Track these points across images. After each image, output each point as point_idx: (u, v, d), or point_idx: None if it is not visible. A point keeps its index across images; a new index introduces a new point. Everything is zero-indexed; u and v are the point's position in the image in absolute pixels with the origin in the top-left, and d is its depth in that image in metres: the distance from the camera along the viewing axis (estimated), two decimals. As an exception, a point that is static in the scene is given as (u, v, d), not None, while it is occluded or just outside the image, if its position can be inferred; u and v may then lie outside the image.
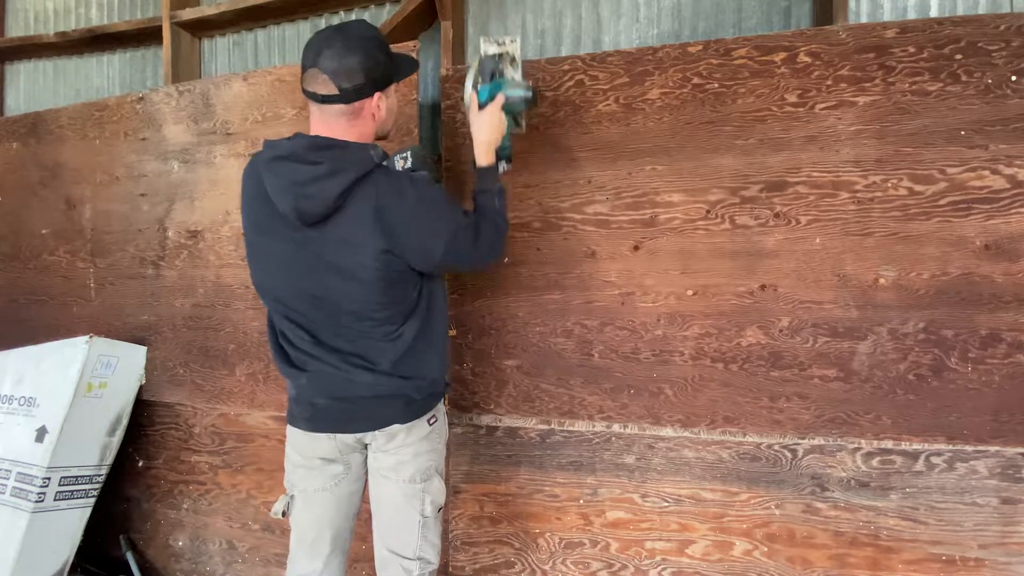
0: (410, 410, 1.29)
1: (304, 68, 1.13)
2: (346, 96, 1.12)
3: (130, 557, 2.17)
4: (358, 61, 1.10)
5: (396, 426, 1.28)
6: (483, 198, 1.37)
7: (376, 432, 1.28)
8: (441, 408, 1.40)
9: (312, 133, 1.17)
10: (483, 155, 1.39)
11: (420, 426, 1.31)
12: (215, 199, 2.08)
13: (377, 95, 1.16)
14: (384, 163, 1.18)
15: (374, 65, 1.13)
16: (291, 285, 1.22)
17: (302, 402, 1.31)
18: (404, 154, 1.40)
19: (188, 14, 2.59)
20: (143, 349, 2.16)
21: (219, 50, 2.75)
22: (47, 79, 3.06)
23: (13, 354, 2.12)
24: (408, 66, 1.27)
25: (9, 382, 2.07)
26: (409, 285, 1.23)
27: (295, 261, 1.19)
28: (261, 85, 2.01)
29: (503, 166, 1.48)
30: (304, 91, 1.15)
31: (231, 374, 2.06)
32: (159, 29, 2.63)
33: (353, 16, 2.53)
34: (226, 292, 2.06)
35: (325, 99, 1.12)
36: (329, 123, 1.15)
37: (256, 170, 1.18)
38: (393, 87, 1.22)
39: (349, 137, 1.16)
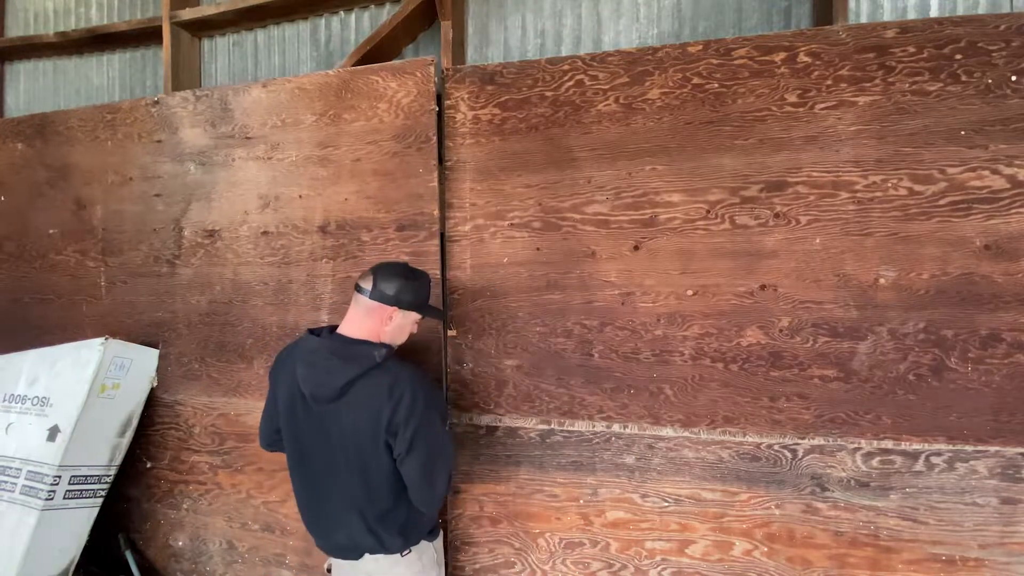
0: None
1: (368, 272, 1.46)
2: (376, 296, 1.42)
3: (129, 556, 2.17)
4: (399, 283, 1.43)
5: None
6: None
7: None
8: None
9: (346, 317, 1.46)
10: None
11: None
12: (233, 200, 2.09)
13: (393, 309, 1.44)
14: (383, 357, 1.41)
15: (407, 291, 1.44)
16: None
17: None
18: None
19: (188, 14, 2.60)
20: (155, 352, 2.18)
21: (219, 50, 2.75)
22: (47, 79, 3.07)
23: (28, 355, 2.14)
24: (436, 315, 1.61)
25: (23, 382, 2.09)
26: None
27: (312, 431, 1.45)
28: (280, 92, 2.03)
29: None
30: (356, 286, 1.46)
31: (249, 367, 2.07)
32: (159, 29, 2.64)
33: (353, 16, 2.53)
34: (244, 289, 2.07)
35: (360, 290, 1.44)
36: (353, 314, 1.45)
37: (291, 357, 1.48)
38: (413, 318, 1.49)
39: (363, 329, 1.43)
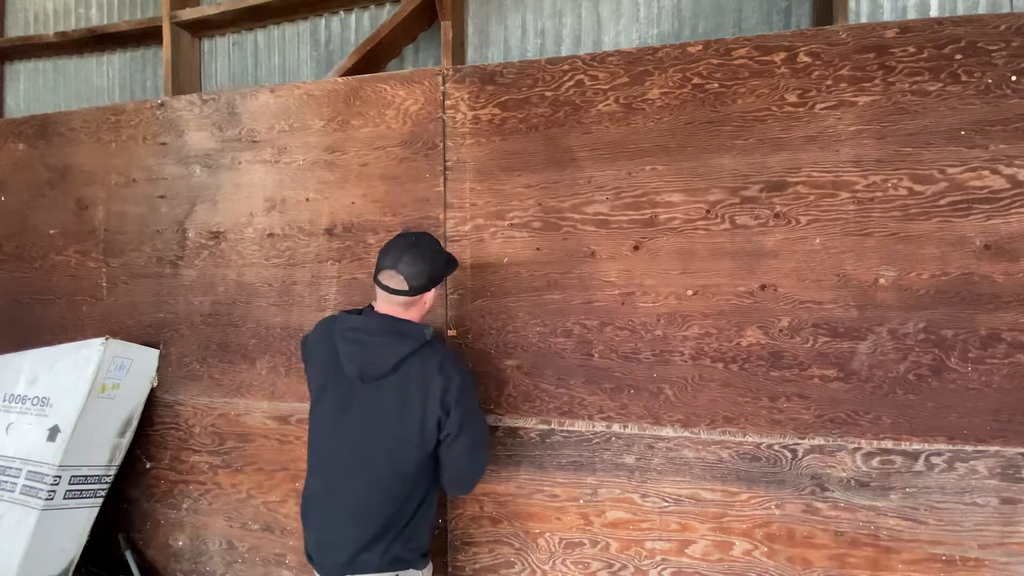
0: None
1: (383, 267, 1.42)
2: (413, 292, 1.41)
3: (129, 556, 2.17)
4: (428, 270, 1.42)
5: None
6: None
7: None
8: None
9: (380, 305, 1.45)
10: None
11: None
12: (239, 202, 2.09)
13: (431, 292, 1.47)
14: (431, 336, 1.44)
15: (436, 274, 1.46)
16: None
17: None
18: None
19: (188, 14, 2.60)
20: (156, 352, 2.18)
21: (219, 50, 2.76)
22: (47, 79, 3.07)
23: (28, 355, 2.14)
24: (452, 266, 1.59)
25: (23, 382, 2.09)
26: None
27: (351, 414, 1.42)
28: (288, 98, 2.04)
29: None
30: (378, 282, 1.43)
31: (251, 367, 2.07)
32: (159, 29, 2.64)
33: (353, 16, 2.53)
34: (248, 290, 2.08)
35: (395, 292, 1.41)
36: (392, 306, 1.43)
37: (330, 334, 1.45)
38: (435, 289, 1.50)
39: (407, 315, 1.44)
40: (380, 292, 1.44)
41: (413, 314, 1.45)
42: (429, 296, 1.47)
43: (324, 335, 1.47)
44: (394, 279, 1.41)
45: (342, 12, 2.55)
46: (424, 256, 1.42)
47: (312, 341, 1.52)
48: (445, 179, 1.86)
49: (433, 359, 1.40)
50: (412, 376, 1.38)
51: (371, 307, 1.47)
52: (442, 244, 1.72)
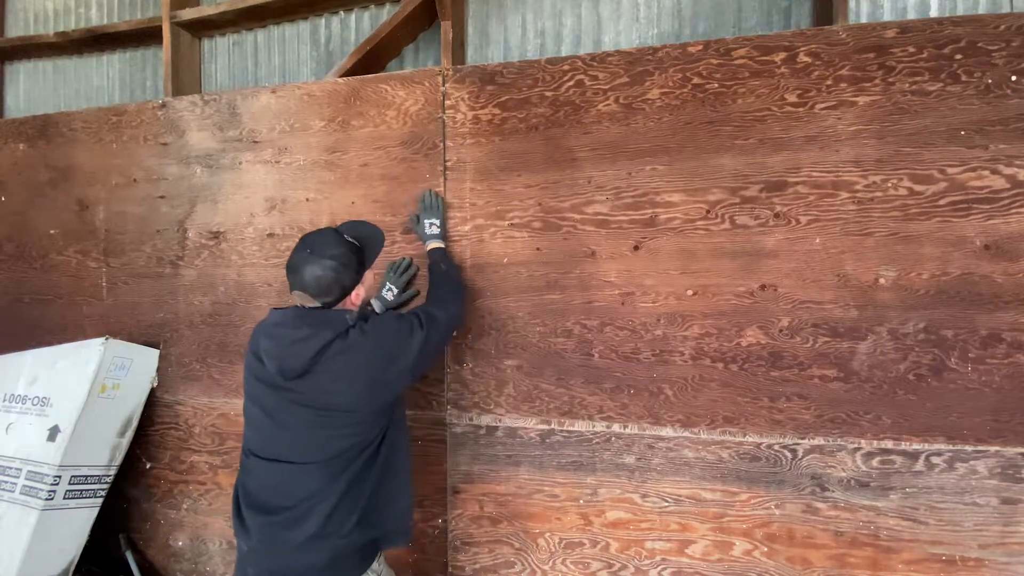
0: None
1: (293, 287, 1.34)
2: (330, 305, 1.35)
3: (129, 556, 2.17)
4: (332, 278, 1.32)
5: None
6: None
7: None
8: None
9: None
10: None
11: None
12: (239, 202, 2.09)
13: (355, 291, 1.38)
14: (355, 320, 1.36)
15: (345, 274, 1.33)
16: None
17: None
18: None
19: (188, 14, 2.60)
20: (156, 352, 2.18)
21: (219, 50, 2.75)
22: (47, 79, 3.06)
23: (28, 355, 2.14)
24: (375, 243, 1.46)
25: (23, 382, 2.09)
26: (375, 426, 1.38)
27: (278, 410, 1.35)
28: (289, 98, 2.04)
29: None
30: (297, 302, 1.36)
31: None
32: (159, 29, 2.64)
33: (353, 16, 2.53)
34: (248, 290, 2.08)
35: (315, 309, 1.34)
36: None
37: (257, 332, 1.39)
38: (369, 272, 1.42)
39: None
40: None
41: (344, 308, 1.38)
42: (356, 294, 1.38)
43: (252, 339, 1.40)
44: (306, 299, 1.34)
45: (342, 12, 2.55)
46: (326, 264, 1.31)
47: (247, 353, 1.44)
48: (445, 179, 1.86)
49: (360, 343, 1.31)
50: (337, 367, 1.29)
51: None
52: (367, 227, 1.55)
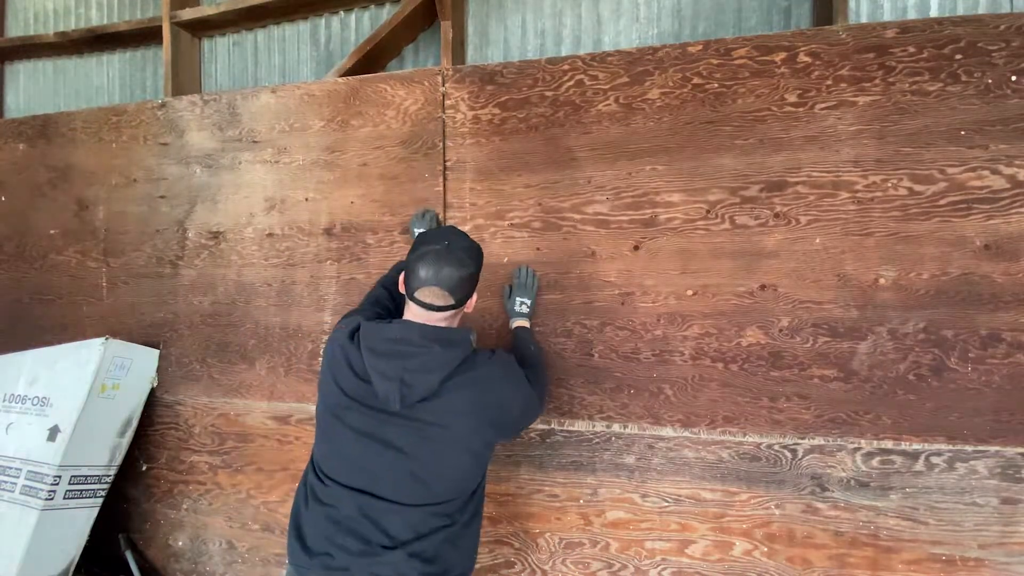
0: None
1: (420, 285, 1.21)
2: (459, 304, 1.25)
3: (129, 556, 2.17)
4: (469, 275, 1.24)
5: None
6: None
7: None
8: None
9: (419, 321, 1.24)
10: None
11: None
12: (239, 202, 2.09)
13: (474, 294, 1.30)
14: (475, 342, 1.28)
15: (476, 274, 1.27)
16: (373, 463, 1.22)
17: None
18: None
19: (188, 14, 2.60)
20: (156, 352, 2.18)
21: (219, 50, 2.75)
22: (47, 79, 3.07)
23: (28, 355, 2.14)
24: (481, 256, 1.36)
25: (23, 382, 2.09)
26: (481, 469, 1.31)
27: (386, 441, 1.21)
28: (289, 98, 2.04)
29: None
30: (417, 301, 1.22)
31: (251, 368, 2.07)
32: (159, 29, 2.64)
33: (353, 16, 2.53)
34: (248, 290, 2.08)
35: (439, 308, 1.22)
36: (433, 317, 1.24)
37: (352, 350, 1.23)
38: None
39: (450, 325, 1.27)
40: (416, 309, 1.23)
41: (459, 320, 1.30)
42: (474, 299, 1.30)
43: (340, 347, 1.25)
44: (435, 294, 1.21)
45: (342, 12, 2.55)
46: (466, 262, 1.22)
47: (328, 352, 1.29)
48: (445, 179, 1.86)
49: (482, 378, 1.22)
50: (460, 399, 1.18)
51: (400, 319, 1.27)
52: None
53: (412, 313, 1.25)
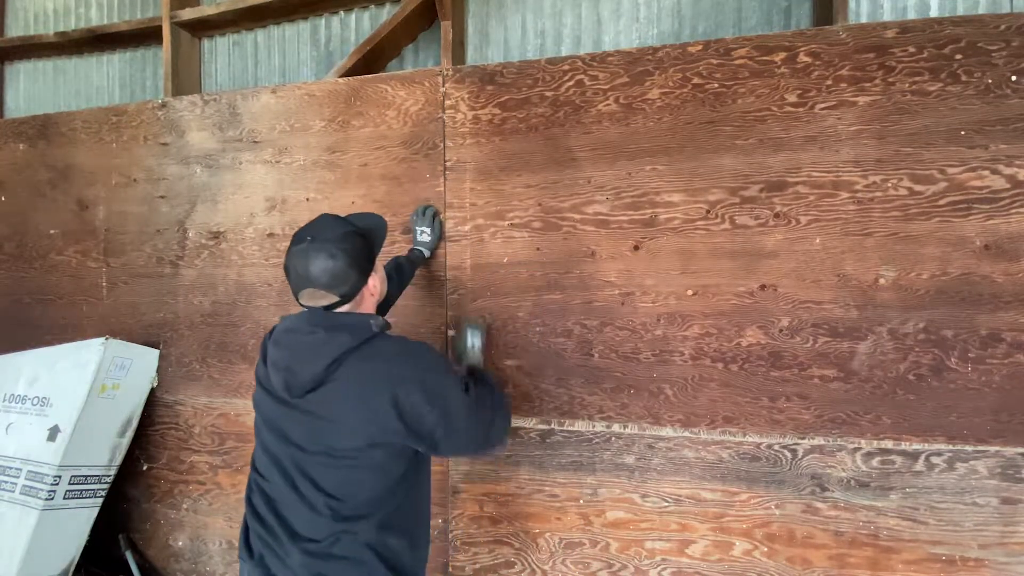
0: None
1: (298, 289, 1.15)
2: (347, 297, 1.16)
3: (129, 556, 2.17)
4: (345, 266, 1.12)
5: None
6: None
7: None
8: None
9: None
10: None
11: None
12: (239, 202, 2.10)
13: (371, 280, 1.19)
14: (381, 328, 1.18)
15: (359, 258, 1.15)
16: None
17: None
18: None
19: (188, 14, 2.60)
20: (156, 352, 2.19)
21: (219, 50, 2.75)
22: (47, 79, 3.07)
23: (28, 355, 2.15)
24: (380, 230, 1.28)
25: (23, 382, 2.09)
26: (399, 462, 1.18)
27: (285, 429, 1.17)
28: (289, 98, 2.04)
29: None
30: (305, 307, 1.17)
31: (251, 368, 2.07)
32: (159, 29, 2.64)
33: (353, 16, 2.53)
34: (248, 290, 2.08)
35: (329, 308, 1.15)
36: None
37: (268, 343, 1.21)
38: (380, 263, 1.26)
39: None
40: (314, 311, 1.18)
41: (364, 310, 1.22)
42: (372, 285, 1.20)
43: (263, 343, 1.24)
44: (313, 296, 1.14)
45: (342, 12, 2.55)
46: (333, 252, 1.12)
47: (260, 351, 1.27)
48: (445, 179, 1.86)
49: (380, 368, 1.11)
50: (351, 387, 1.10)
51: None
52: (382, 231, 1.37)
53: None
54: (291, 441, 1.15)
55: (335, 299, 1.14)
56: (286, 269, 1.16)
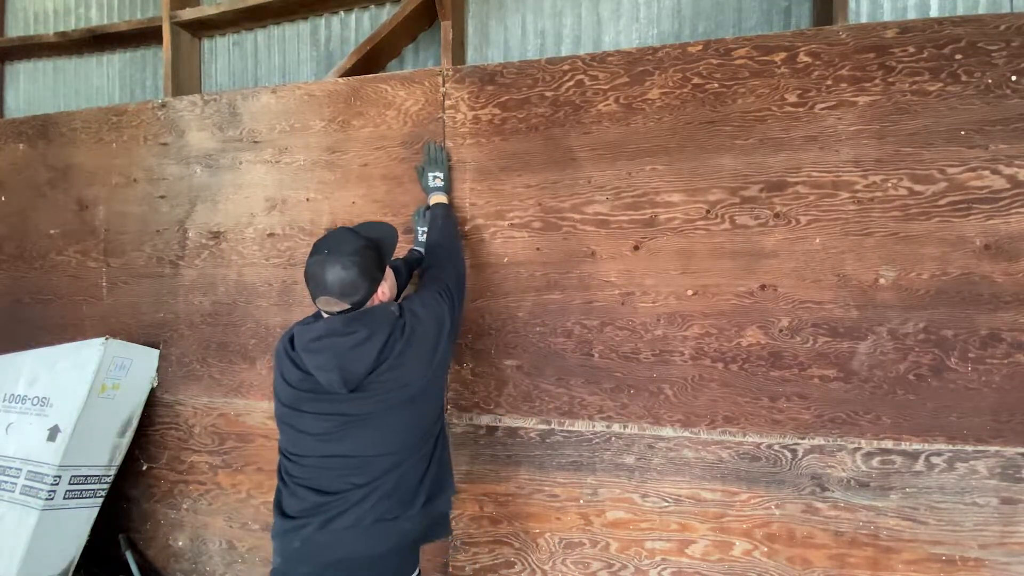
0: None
1: (316, 295, 1.28)
2: (359, 304, 1.29)
3: (129, 557, 2.17)
4: (356, 277, 1.25)
5: None
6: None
7: None
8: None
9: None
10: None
11: None
12: (239, 202, 2.10)
13: (381, 287, 1.33)
14: (398, 309, 1.35)
15: (371, 269, 1.28)
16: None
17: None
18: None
19: (188, 14, 2.60)
20: (156, 352, 2.19)
21: (219, 50, 2.75)
22: (47, 79, 3.06)
23: (28, 355, 2.15)
24: (390, 240, 1.42)
25: (23, 382, 2.09)
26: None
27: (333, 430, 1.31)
28: (289, 98, 2.04)
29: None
30: (321, 310, 1.31)
31: (251, 367, 2.07)
32: (159, 29, 2.64)
33: (353, 16, 2.53)
34: (248, 290, 2.08)
35: (344, 312, 1.28)
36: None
37: (293, 353, 1.32)
38: (390, 270, 1.39)
39: None
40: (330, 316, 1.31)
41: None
42: (382, 291, 1.33)
43: (284, 352, 1.34)
44: (330, 303, 1.27)
45: (342, 12, 2.55)
46: (346, 264, 1.25)
47: (276, 357, 1.38)
48: (445, 179, 1.86)
49: (410, 327, 1.32)
50: (407, 363, 1.30)
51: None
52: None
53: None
54: (354, 416, 1.28)
55: (347, 306, 1.27)
56: (306, 276, 1.28)
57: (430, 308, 1.39)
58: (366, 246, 1.30)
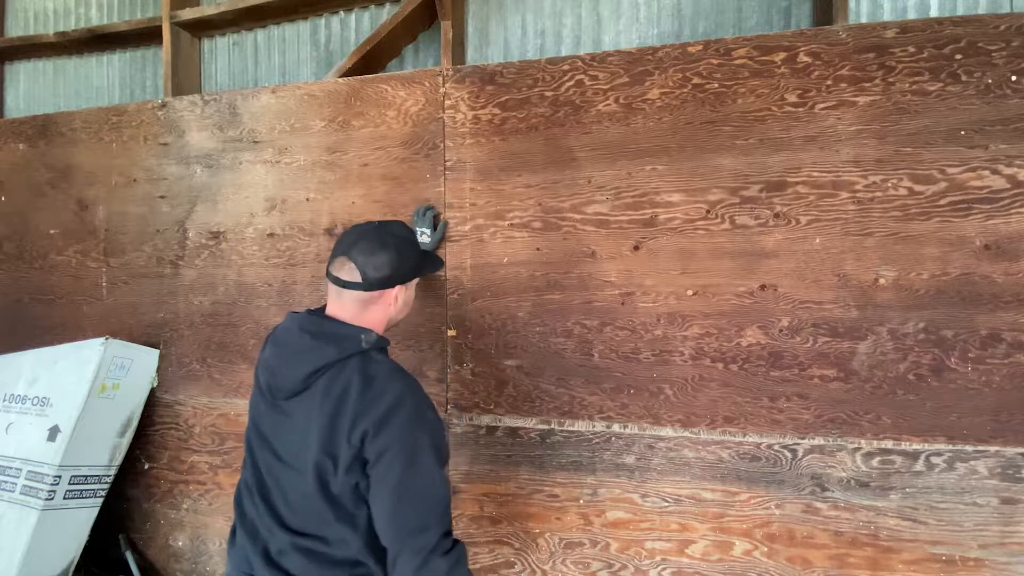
0: None
1: (335, 254, 1.17)
2: (368, 285, 1.15)
3: (129, 557, 2.17)
4: (388, 257, 1.16)
5: None
6: None
7: None
8: None
9: (327, 312, 1.19)
10: None
11: None
12: (239, 202, 2.10)
13: (398, 288, 1.20)
14: (370, 348, 1.13)
15: (402, 262, 1.19)
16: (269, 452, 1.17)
17: None
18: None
19: (188, 14, 2.60)
20: (156, 352, 2.19)
21: (219, 50, 2.75)
22: (47, 79, 3.06)
23: (28, 355, 2.15)
24: (434, 265, 1.40)
25: (23, 382, 2.09)
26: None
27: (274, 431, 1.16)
28: (289, 98, 2.04)
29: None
30: (328, 274, 1.17)
31: (251, 368, 2.05)
32: (159, 29, 2.64)
33: (353, 16, 2.53)
34: (248, 290, 2.08)
35: (346, 284, 1.14)
36: (344, 305, 1.17)
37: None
38: (415, 281, 1.29)
39: (364, 319, 1.17)
40: (331, 289, 1.17)
41: (372, 317, 1.18)
42: (397, 295, 1.20)
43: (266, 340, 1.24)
44: (345, 268, 1.14)
45: (342, 12, 2.55)
46: (387, 243, 1.15)
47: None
48: (445, 179, 1.86)
49: (360, 373, 1.06)
50: (325, 397, 1.05)
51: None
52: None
53: (328, 299, 1.20)
54: (268, 442, 1.14)
55: (358, 279, 1.14)
56: (339, 242, 1.20)
57: (408, 391, 1.08)
58: (415, 247, 1.25)
